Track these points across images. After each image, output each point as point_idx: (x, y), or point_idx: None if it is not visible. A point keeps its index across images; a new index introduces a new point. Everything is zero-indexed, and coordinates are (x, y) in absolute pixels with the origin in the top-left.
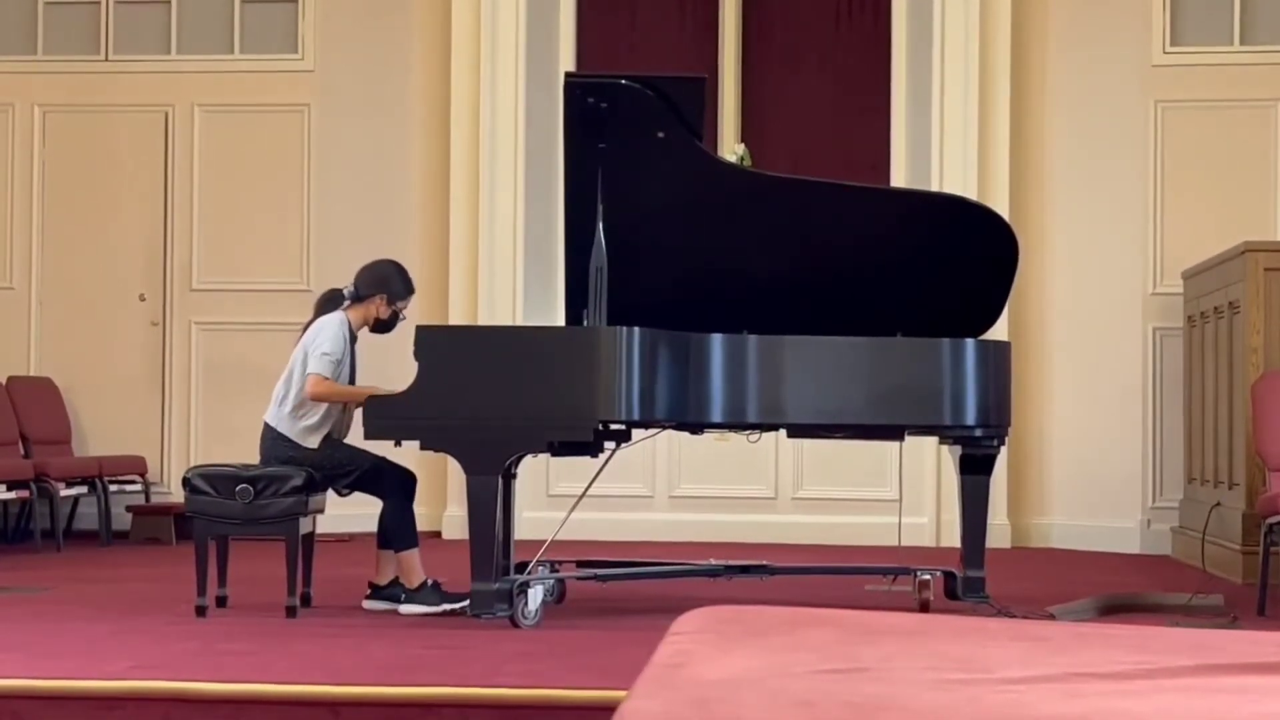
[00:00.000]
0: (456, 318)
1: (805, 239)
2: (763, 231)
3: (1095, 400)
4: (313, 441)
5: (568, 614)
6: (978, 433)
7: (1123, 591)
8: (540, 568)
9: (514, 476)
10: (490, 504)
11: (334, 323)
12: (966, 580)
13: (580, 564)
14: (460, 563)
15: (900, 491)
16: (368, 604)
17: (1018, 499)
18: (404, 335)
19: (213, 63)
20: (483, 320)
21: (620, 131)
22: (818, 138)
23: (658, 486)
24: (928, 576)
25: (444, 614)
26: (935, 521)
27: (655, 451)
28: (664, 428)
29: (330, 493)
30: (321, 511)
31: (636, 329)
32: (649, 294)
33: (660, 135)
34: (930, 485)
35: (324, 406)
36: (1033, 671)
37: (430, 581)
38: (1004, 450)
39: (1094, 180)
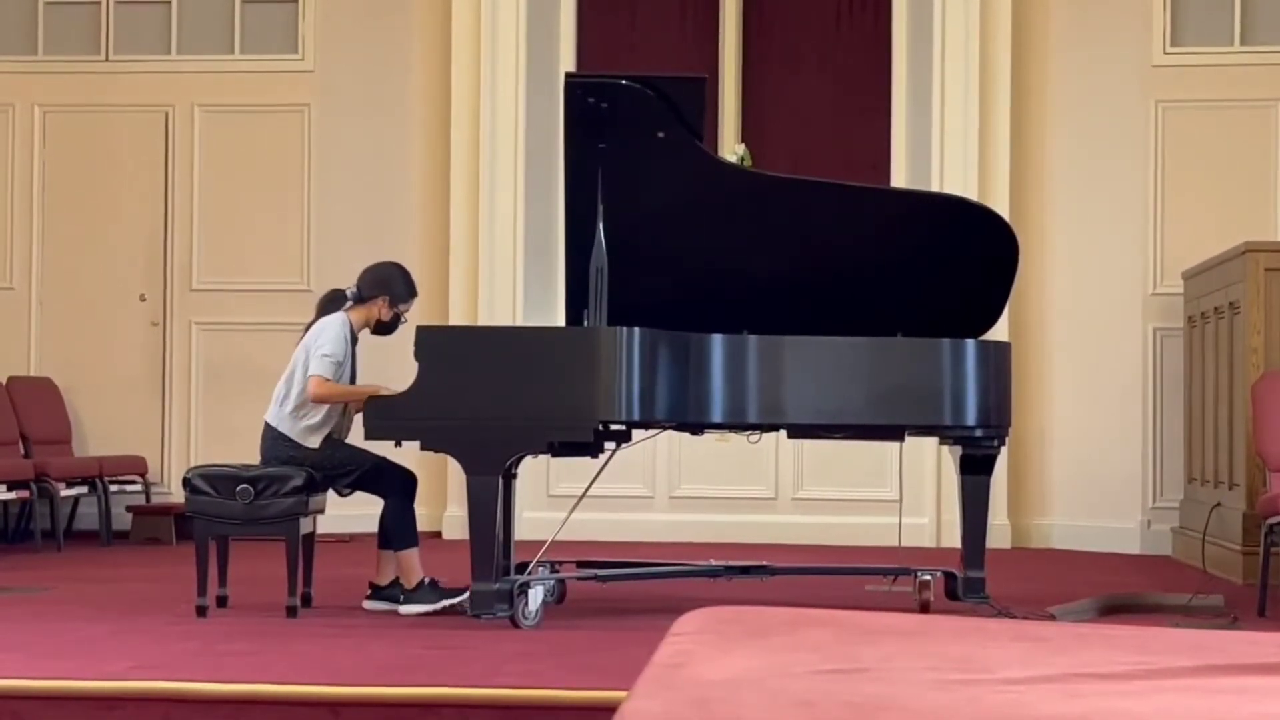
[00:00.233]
0: (457, 318)
1: (805, 239)
2: (763, 232)
3: (1095, 400)
4: (313, 442)
5: (568, 614)
6: (978, 433)
7: (1123, 592)
8: (540, 568)
9: (514, 477)
10: (490, 504)
11: (335, 323)
12: (967, 581)
13: (580, 564)
14: (460, 563)
15: (900, 492)
16: (368, 604)
17: (1018, 499)
18: (404, 336)
19: (213, 63)
20: (483, 320)
21: (620, 131)
22: (818, 138)
23: (658, 487)
24: (928, 577)
25: (444, 610)
26: (935, 522)
27: (655, 452)
28: (664, 428)
29: (331, 493)
30: (322, 512)
31: (637, 329)
32: (649, 294)
33: (660, 135)
34: (930, 486)
35: (325, 406)
36: (1033, 672)
37: (427, 580)
38: (1004, 450)
39: (1094, 180)
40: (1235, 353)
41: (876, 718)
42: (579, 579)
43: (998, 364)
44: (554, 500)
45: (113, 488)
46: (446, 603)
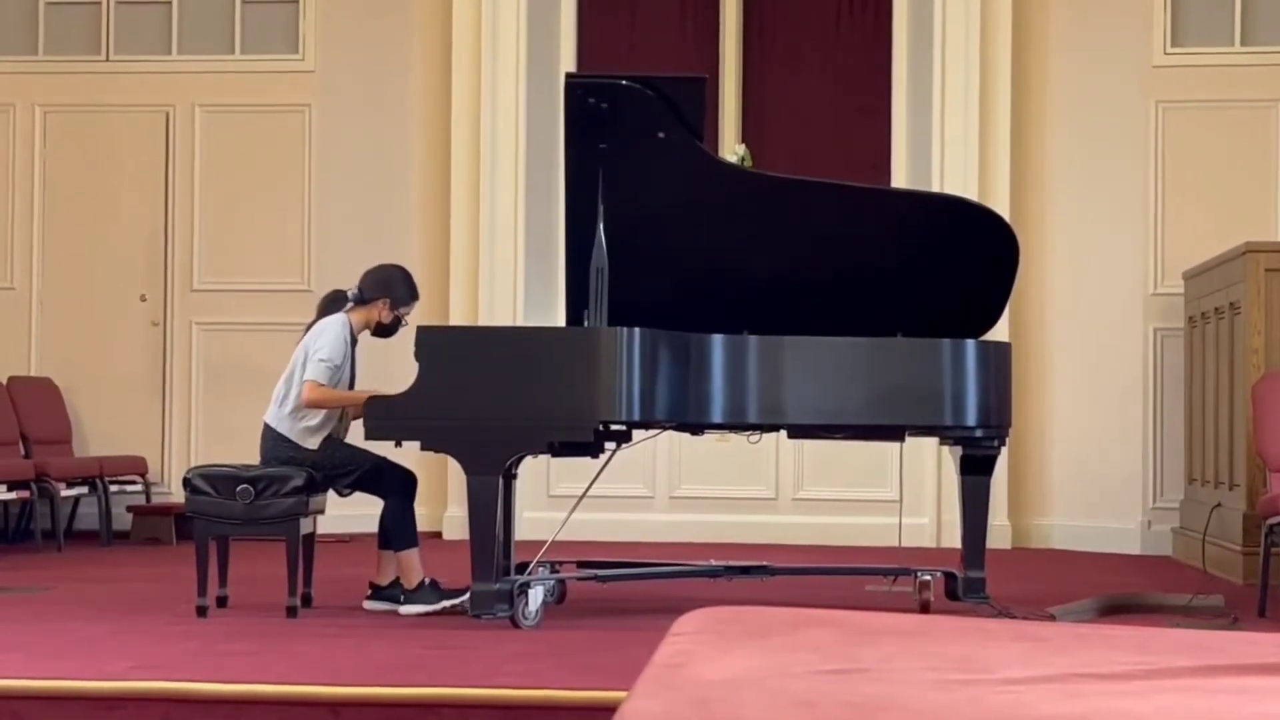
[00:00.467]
0: (457, 318)
1: (806, 239)
2: (763, 232)
3: (1096, 401)
4: (313, 443)
5: (568, 614)
6: (978, 433)
7: (1123, 592)
8: (541, 568)
9: (514, 477)
10: (491, 504)
11: (334, 326)
12: (967, 581)
13: (581, 564)
14: (461, 563)
15: (900, 492)
16: (368, 604)
17: (1018, 500)
18: (405, 336)
19: (213, 63)
20: (483, 320)
21: (621, 132)
22: (818, 138)
23: (658, 487)
24: (928, 577)
25: (444, 611)
26: (936, 522)
27: (656, 452)
28: (664, 428)
29: (331, 493)
30: (322, 512)
31: (637, 329)
32: (649, 294)
33: (661, 135)
34: (931, 486)
35: (322, 409)
36: (1033, 672)
37: (427, 580)
38: (1004, 451)
39: (1094, 181)
40: (1236, 353)
41: (876, 718)
42: (579, 579)
43: (998, 364)
44: (554, 500)
45: (113, 488)
46: (447, 603)
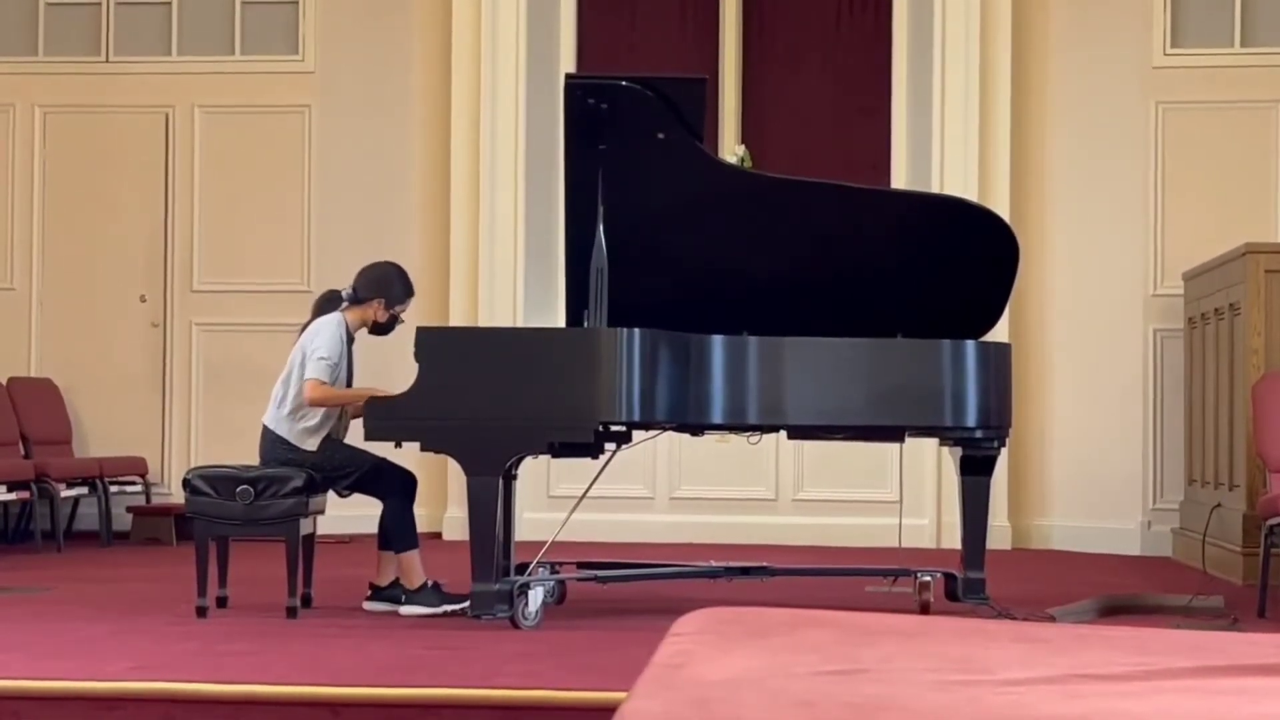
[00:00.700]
0: (457, 318)
1: (805, 240)
2: (763, 232)
3: (1096, 401)
4: (312, 444)
5: (568, 615)
6: (978, 434)
7: (1123, 593)
8: (541, 569)
9: (514, 478)
10: (491, 505)
11: (331, 325)
12: (967, 582)
13: (580, 565)
14: (461, 564)
15: (900, 493)
16: (368, 605)
17: (1018, 500)
18: (404, 336)
19: (213, 63)
20: (483, 321)
21: (620, 132)
22: (818, 138)
23: (658, 488)
24: (928, 578)
25: (444, 615)
26: (936, 523)
27: (655, 453)
28: (664, 429)
29: (331, 494)
30: (322, 512)
31: (637, 330)
32: (649, 295)
33: (661, 136)
34: (930, 487)
35: (322, 409)
36: (1033, 673)
37: (430, 582)
38: (1004, 452)
39: (1094, 181)
40: (1235, 354)
41: (876, 718)
42: (579, 580)
43: (998, 365)
44: (554, 501)
45: (113, 488)
46: (448, 608)
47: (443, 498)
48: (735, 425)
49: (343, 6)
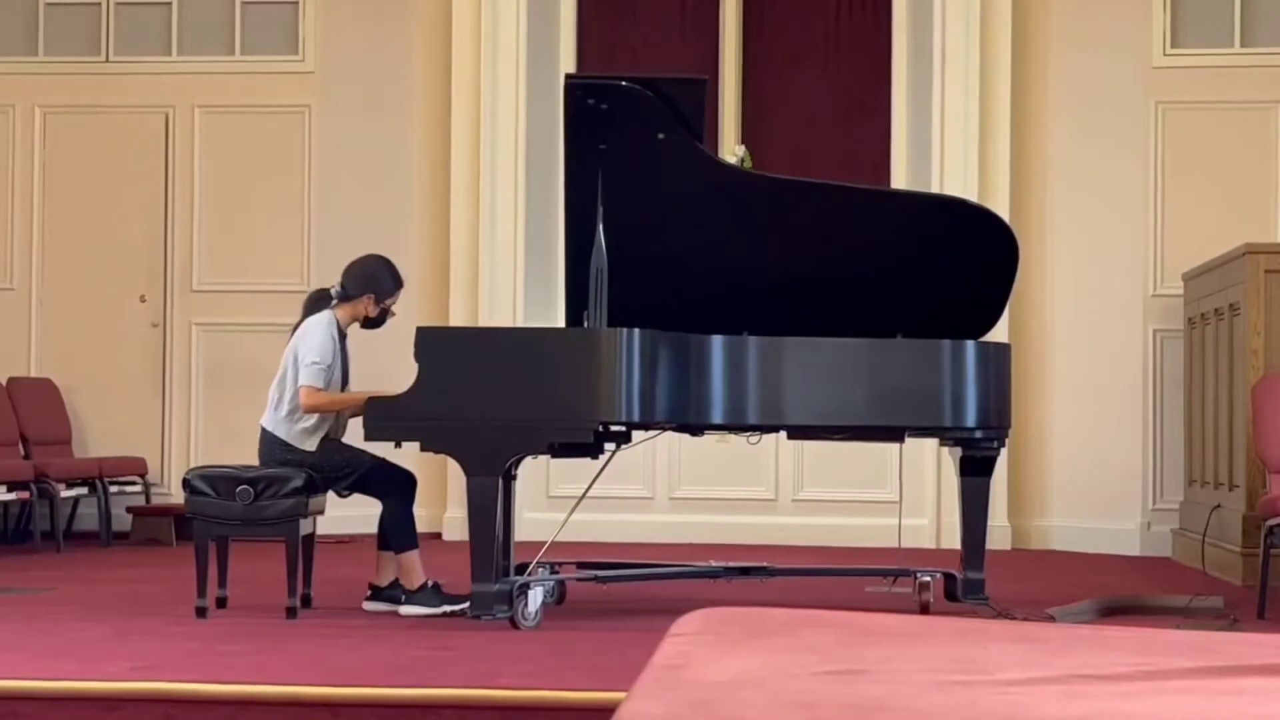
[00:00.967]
0: (457, 318)
1: (805, 240)
2: (763, 233)
3: (1095, 402)
4: (310, 444)
5: (568, 615)
6: (978, 434)
7: (1123, 593)
8: (540, 569)
9: (514, 478)
10: (490, 505)
11: (320, 325)
12: (966, 582)
13: (580, 565)
14: (461, 564)
15: (900, 493)
16: (368, 605)
17: (1018, 501)
18: (404, 336)
19: (213, 64)
20: (483, 321)
21: (620, 133)
22: (818, 138)
23: (658, 488)
24: (928, 578)
25: (444, 615)
26: (935, 523)
27: (655, 453)
28: (664, 429)
29: (330, 494)
30: (321, 513)
31: (636, 330)
32: (649, 295)
33: (660, 136)
34: (930, 487)
35: None
36: (1032, 673)
37: (430, 583)
38: (1004, 452)
39: (1095, 181)
40: (1235, 354)
41: (876, 718)
42: (579, 580)
43: (998, 365)
44: (554, 501)
45: (113, 488)
46: (448, 609)
47: (442, 498)
48: (735, 425)
49: (343, 6)
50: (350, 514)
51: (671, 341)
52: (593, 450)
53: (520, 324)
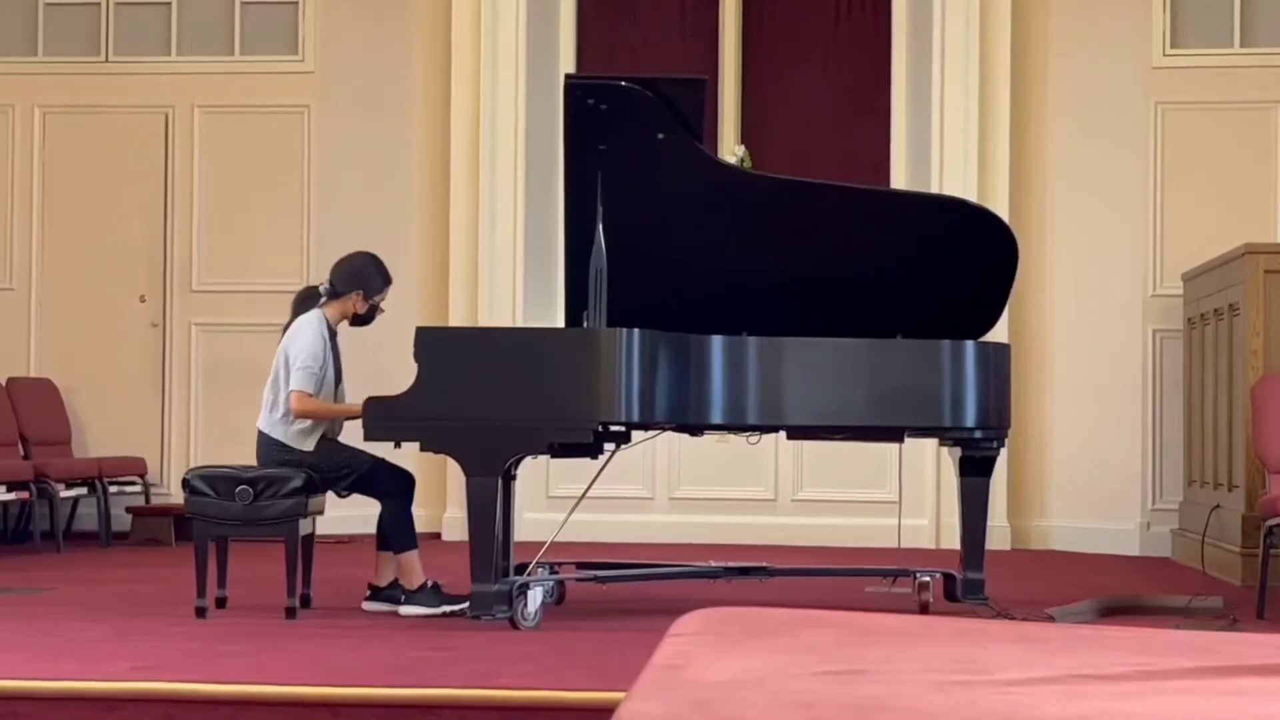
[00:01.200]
0: (456, 318)
1: (805, 240)
2: (762, 233)
3: (1095, 402)
4: (308, 445)
5: (567, 615)
6: (977, 434)
7: (1122, 594)
8: (540, 569)
9: (514, 478)
10: (490, 505)
11: (310, 325)
12: (966, 582)
13: (580, 565)
14: (460, 564)
15: (900, 493)
16: (367, 605)
17: (1017, 501)
18: (404, 336)
19: (213, 64)
20: (483, 321)
21: (620, 133)
22: (818, 138)
23: (657, 488)
24: (927, 578)
25: (443, 615)
26: (935, 523)
27: (655, 453)
28: (664, 429)
29: (330, 494)
30: (321, 513)
31: (636, 330)
32: (649, 295)
33: (660, 137)
34: (930, 487)
35: None
36: (1032, 673)
37: (430, 583)
38: (1003, 452)
39: (1094, 182)
40: (1235, 355)
41: (876, 718)
42: (578, 580)
43: (997, 365)
44: (553, 501)
45: (112, 489)
46: (447, 609)
47: (442, 498)
48: (735, 425)
49: (343, 6)
50: (349, 514)
51: (671, 342)
52: (592, 450)
53: (520, 324)
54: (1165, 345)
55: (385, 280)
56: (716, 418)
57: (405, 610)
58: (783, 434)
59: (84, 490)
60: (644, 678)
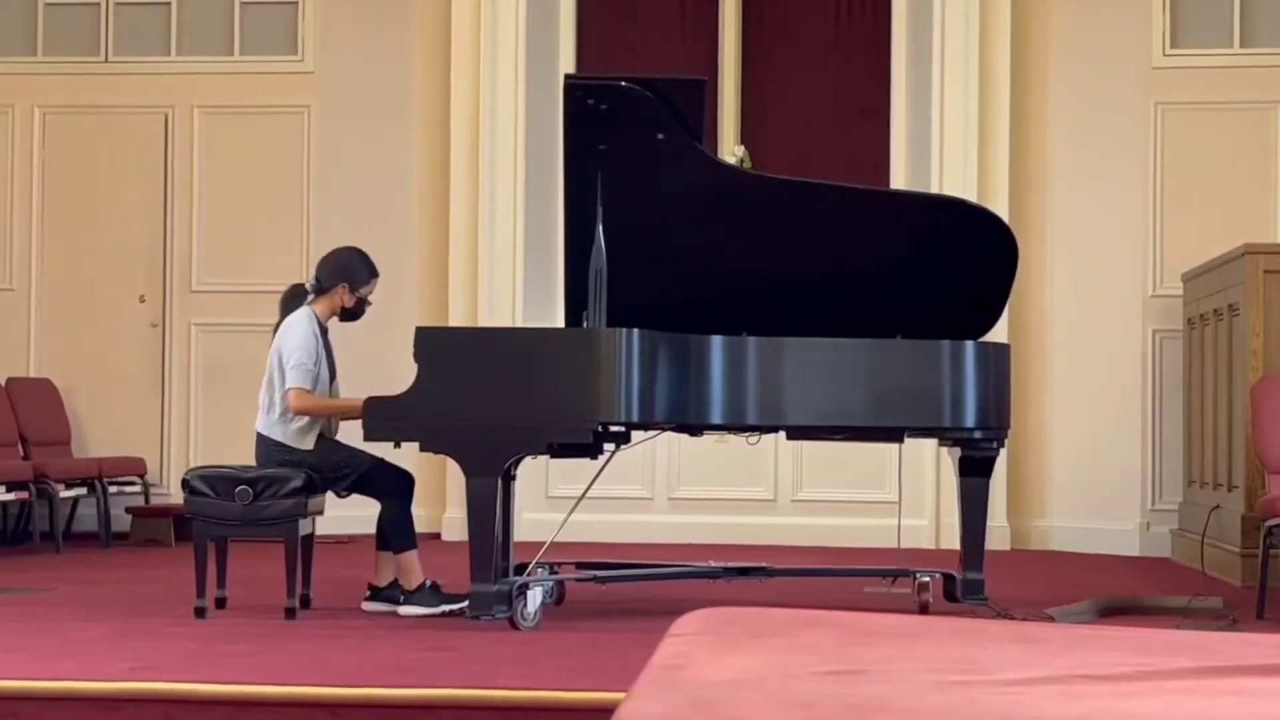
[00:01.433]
0: (456, 318)
1: (805, 241)
2: (762, 233)
3: (1095, 402)
4: (307, 444)
5: (567, 615)
6: (977, 435)
7: (1122, 594)
8: (540, 569)
9: (513, 478)
10: (490, 506)
11: (300, 324)
12: (966, 582)
13: (579, 566)
14: (460, 564)
15: (900, 494)
16: (367, 606)
17: (1017, 501)
18: (404, 336)
19: (213, 64)
20: (482, 321)
21: (620, 133)
22: (818, 138)
23: (657, 488)
24: (927, 579)
25: (443, 615)
26: (935, 524)
27: (655, 453)
28: (663, 429)
29: (329, 494)
30: (321, 513)
31: (636, 330)
32: (648, 295)
33: (660, 137)
34: (930, 487)
35: None
36: (1032, 673)
37: (429, 583)
38: (1003, 452)
39: (1094, 182)
40: (1235, 355)
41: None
42: (578, 580)
43: (997, 366)
44: (553, 501)
45: (112, 489)
46: (447, 608)
47: (442, 498)
48: (734, 426)
49: (342, 6)
50: (349, 514)
51: (671, 342)
52: (592, 450)
53: (520, 324)
54: (1165, 345)
55: (371, 273)
56: (716, 418)
57: (404, 610)
58: (782, 434)
59: (83, 490)
60: (644, 678)
